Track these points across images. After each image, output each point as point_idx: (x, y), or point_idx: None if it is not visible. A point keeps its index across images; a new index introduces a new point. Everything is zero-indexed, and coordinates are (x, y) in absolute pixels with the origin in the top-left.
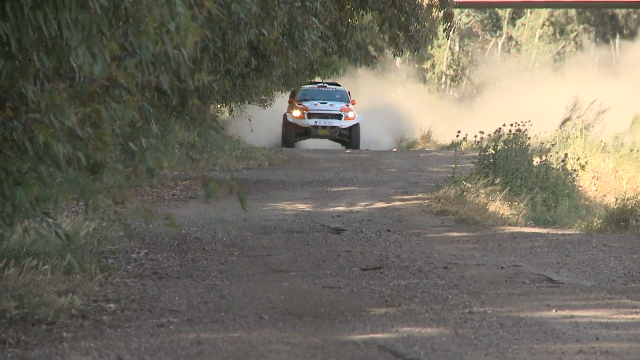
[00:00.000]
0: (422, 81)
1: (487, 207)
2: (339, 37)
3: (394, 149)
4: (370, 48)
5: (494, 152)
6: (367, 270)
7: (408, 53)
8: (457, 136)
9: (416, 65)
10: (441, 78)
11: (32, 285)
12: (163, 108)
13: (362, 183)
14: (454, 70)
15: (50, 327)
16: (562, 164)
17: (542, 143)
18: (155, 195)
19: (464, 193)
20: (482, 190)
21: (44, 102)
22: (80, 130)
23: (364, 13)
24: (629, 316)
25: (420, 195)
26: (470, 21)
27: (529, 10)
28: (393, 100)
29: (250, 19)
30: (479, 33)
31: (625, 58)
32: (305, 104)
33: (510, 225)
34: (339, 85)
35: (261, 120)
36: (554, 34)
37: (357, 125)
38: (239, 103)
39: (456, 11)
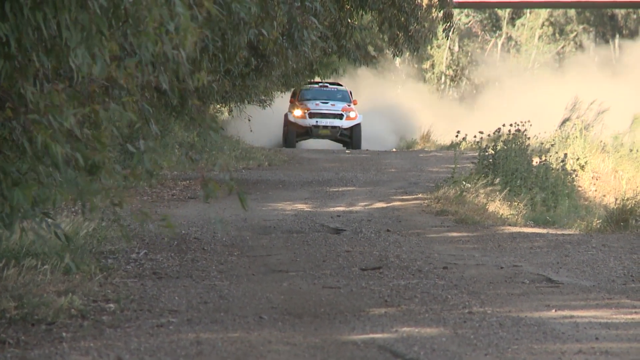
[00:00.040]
0: (422, 81)
1: (487, 207)
2: (338, 37)
3: (394, 149)
4: (370, 48)
5: (493, 152)
6: (366, 271)
7: (407, 53)
8: (457, 136)
9: (416, 66)
10: (441, 78)
11: (32, 286)
12: (163, 108)
13: (361, 183)
14: (453, 71)
15: (49, 327)
16: (561, 164)
17: (542, 143)
18: (155, 196)
19: (464, 193)
20: (481, 191)
21: (42, 103)
22: (79, 131)
23: (363, 13)
24: (629, 316)
25: (419, 196)
26: (469, 21)
27: (528, 11)
28: (393, 100)
29: (250, 19)
30: (479, 33)
31: (625, 58)
32: (307, 103)
33: (509, 225)
34: (341, 85)
35: (261, 121)
36: (554, 34)
37: (358, 126)
38: (238, 103)
39: (456, 11)
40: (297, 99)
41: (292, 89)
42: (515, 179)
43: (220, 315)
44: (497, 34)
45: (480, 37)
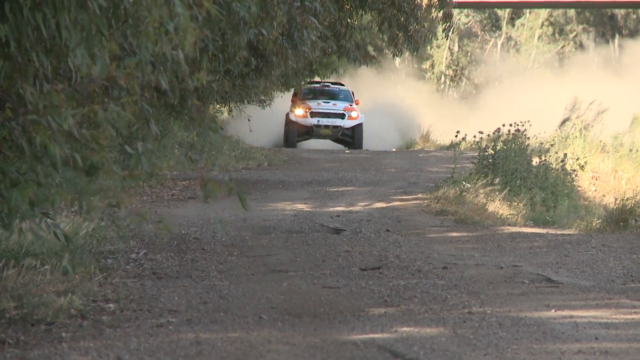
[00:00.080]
0: (422, 81)
1: (487, 207)
2: (338, 37)
3: (393, 149)
4: (370, 48)
5: (493, 152)
6: (366, 271)
7: (407, 53)
8: (456, 136)
9: (415, 65)
10: (440, 78)
11: (32, 286)
12: (162, 108)
13: (361, 183)
14: (453, 71)
15: (49, 327)
16: (561, 164)
17: (542, 143)
18: (155, 196)
19: (463, 193)
20: (481, 191)
21: (42, 103)
22: (77, 132)
23: (363, 13)
24: (628, 316)
25: (419, 196)
26: (469, 21)
27: (528, 11)
28: (393, 100)
29: (250, 19)
30: (478, 33)
31: (625, 58)
32: (309, 103)
33: (509, 225)
34: (343, 85)
35: (260, 121)
36: (553, 34)
37: (360, 125)
38: (238, 103)
39: (455, 11)
40: (298, 98)
41: (294, 88)
42: (515, 179)
43: (219, 315)
44: (496, 34)
45: (479, 37)
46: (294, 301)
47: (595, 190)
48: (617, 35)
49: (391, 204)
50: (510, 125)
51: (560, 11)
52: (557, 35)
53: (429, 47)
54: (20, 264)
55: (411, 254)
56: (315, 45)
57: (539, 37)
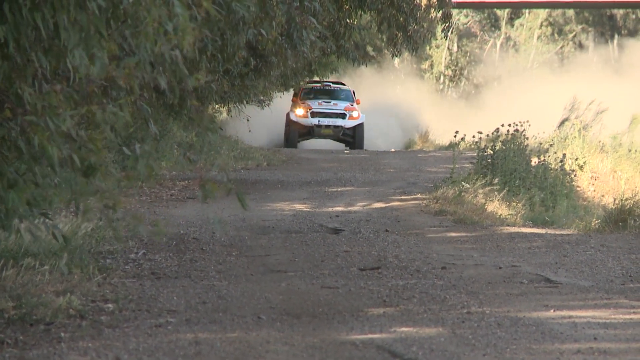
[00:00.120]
0: (421, 81)
1: (486, 207)
2: (337, 37)
3: (392, 149)
4: (369, 48)
5: (492, 152)
6: (365, 271)
7: (406, 53)
8: (455, 136)
9: (414, 66)
10: (439, 78)
11: (30, 286)
12: (161, 108)
13: (360, 183)
14: (452, 71)
15: (48, 327)
16: (560, 164)
17: (541, 143)
18: (153, 196)
19: (462, 193)
20: (480, 191)
21: (40, 104)
22: (75, 133)
23: (362, 13)
24: (627, 316)
25: (418, 196)
26: (468, 21)
27: (527, 11)
28: (393, 100)
29: (249, 19)
30: (478, 33)
31: (624, 58)
32: (309, 102)
33: (508, 225)
34: (344, 85)
35: (260, 121)
36: (553, 34)
37: (361, 125)
38: (237, 103)
39: (454, 11)
40: (299, 98)
41: (294, 88)
42: (513, 179)
43: (218, 315)
44: (495, 34)
45: (479, 37)
46: (293, 301)
47: (594, 191)
48: (616, 35)
49: (390, 204)
50: (509, 125)
51: (559, 11)
52: (556, 35)
53: (428, 47)
54: (19, 264)
55: (410, 254)
56: (314, 45)
57: (538, 37)
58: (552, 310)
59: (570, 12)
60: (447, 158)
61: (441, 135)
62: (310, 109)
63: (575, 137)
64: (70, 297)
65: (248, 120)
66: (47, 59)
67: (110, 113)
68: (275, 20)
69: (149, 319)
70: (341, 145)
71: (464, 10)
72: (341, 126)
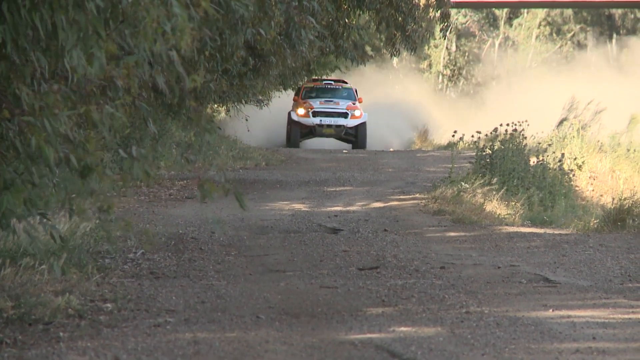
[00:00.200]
0: (420, 81)
1: (484, 207)
2: (335, 37)
3: (391, 149)
4: (368, 48)
5: (490, 152)
6: (364, 270)
7: (405, 53)
8: (453, 136)
9: (413, 65)
10: (438, 78)
11: (29, 285)
12: (160, 108)
13: (359, 183)
14: (451, 70)
15: (47, 327)
16: (558, 163)
17: (539, 143)
18: (152, 195)
19: (461, 193)
20: (479, 190)
21: (37, 104)
22: (72, 134)
23: (360, 13)
24: (626, 316)
25: (417, 195)
26: (467, 21)
27: (525, 10)
28: (393, 100)
29: (248, 18)
30: (476, 33)
31: (623, 58)
32: (311, 102)
33: (507, 225)
34: (346, 83)
35: (259, 120)
36: (551, 33)
37: (363, 124)
38: (235, 103)
39: (453, 11)
40: (300, 97)
41: (297, 87)
42: (512, 179)
43: (217, 315)
44: (494, 34)
45: (477, 37)
46: (292, 301)
47: (593, 190)
48: (615, 35)
49: (389, 204)
50: (508, 125)
51: (557, 11)
52: (554, 35)
53: (426, 47)
54: (18, 263)
55: (409, 254)
56: (313, 44)
57: (536, 37)
58: (550, 310)
59: (569, 12)
60: (446, 158)
61: (440, 135)
62: (311, 108)
63: (573, 136)
64: (69, 296)
65: (247, 120)
66: (45, 59)
67: (107, 114)
68: (274, 20)
69: (147, 319)
70: (344, 145)
71: (463, 10)
72: (343, 125)
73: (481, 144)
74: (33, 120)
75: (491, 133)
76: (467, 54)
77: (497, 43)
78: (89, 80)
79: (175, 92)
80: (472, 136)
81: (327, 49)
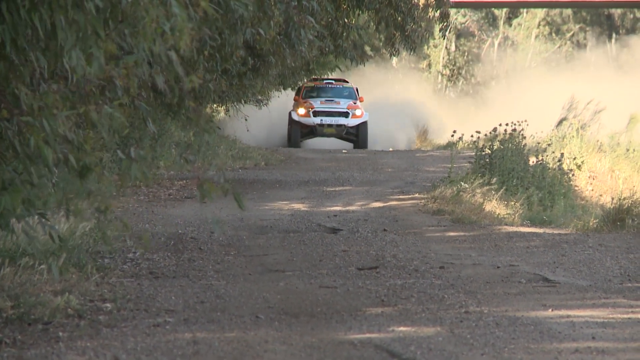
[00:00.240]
0: (419, 81)
1: (484, 206)
2: (335, 37)
3: (390, 149)
4: (367, 48)
5: (490, 152)
6: (363, 270)
7: (404, 53)
8: (453, 136)
9: (413, 65)
10: (437, 78)
11: (28, 285)
12: (159, 108)
13: (358, 183)
14: (450, 70)
15: (46, 327)
16: (558, 163)
17: (539, 143)
18: (152, 195)
19: (460, 193)
20: (478, 190)
21: (36, 104)
22: (71, 134)
23: (360, 13)
24: (625, 316)
25: (416, 195)
26: (466, 21)
27: (525, 10)
28: (393, 100)
29: (247, 18)
30: (475, 33)
31: (622, 57)
32: (311, 101)
33: (506, 224)
34: (347, 82)
35: (258, 120)
36: (550, 33)
37: (365, 124)
38: (235, 103)
39: (452, 11)
40: (301, 96)
41: (297, 86)
42: (511, 179)
43: (216, 314)
44: (493, 34)
45: (477, 37)
46: (291, 301)
47: (592, 190)
48: (614, 35)
49: (388, 204)
50: (507, 124)
51: (556, 11)
52: (554, 34)
53: (426, 47)
54: (17, 263)
55: (408, 254)
56: (312, 44)
57: (535, 37)
58: (550, 310)
59: (568, 12)
60: (445, 157)
61: (439, 135)
62: (312, 108)
63: (573, 136)
64: (69, 296)
65: (246, 119)
66: (44, 59)
67: (106, 114)
68: (274, 20)
69: (147, 319)
70: (345, 145)
71: (462, 10)
72: (344, 125)
73: (480, 144)
74: (32, 121)
75: (490, 133)
76: (466, 53)
77: (496, 43)
78: (88, 80)
79: (175, 92)
80: (472, 136)
81: (327, 49)
